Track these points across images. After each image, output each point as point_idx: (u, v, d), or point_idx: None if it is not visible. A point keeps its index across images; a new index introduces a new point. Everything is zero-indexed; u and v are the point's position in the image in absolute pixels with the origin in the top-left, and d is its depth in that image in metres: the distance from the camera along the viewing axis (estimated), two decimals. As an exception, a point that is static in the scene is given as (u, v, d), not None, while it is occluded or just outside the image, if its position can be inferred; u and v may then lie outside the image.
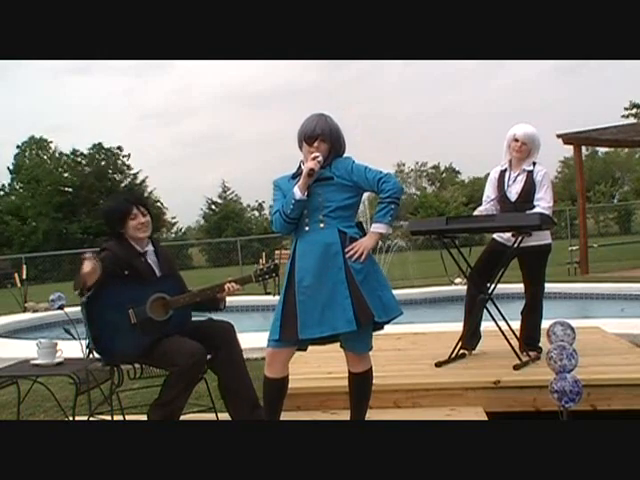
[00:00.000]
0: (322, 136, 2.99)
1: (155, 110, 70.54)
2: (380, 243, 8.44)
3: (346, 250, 2.93)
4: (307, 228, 3.01)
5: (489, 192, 4.52)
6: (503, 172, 4.44)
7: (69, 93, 66.35)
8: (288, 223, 3.01)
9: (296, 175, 3.05)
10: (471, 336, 4.42)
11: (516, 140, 4.32)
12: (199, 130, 71.58)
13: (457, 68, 70.01)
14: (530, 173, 4.31)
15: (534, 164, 4.34)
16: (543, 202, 4.23)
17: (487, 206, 4.46)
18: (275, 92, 74.79)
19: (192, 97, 70.65)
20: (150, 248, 3.53)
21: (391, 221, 3.00)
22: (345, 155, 3.11)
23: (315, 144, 2.99)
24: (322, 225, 2.97)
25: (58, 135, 64.17)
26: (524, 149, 4.30)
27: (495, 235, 4.50)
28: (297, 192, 2.95)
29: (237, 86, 74.83)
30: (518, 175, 4.35)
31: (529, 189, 4.29)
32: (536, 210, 4.18)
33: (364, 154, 3.14)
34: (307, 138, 3.01)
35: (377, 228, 2.99)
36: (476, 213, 4.49)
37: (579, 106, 66.25)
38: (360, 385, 3.12)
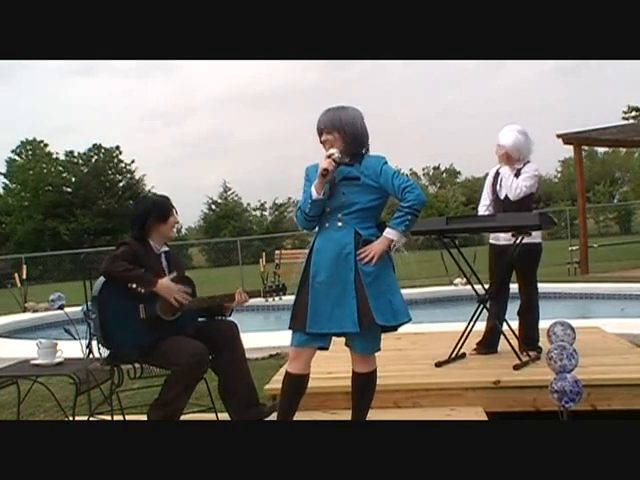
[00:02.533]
0: (326, 129, 2.98)
1: (156, 111, 70.65)
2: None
3: (357, 252, 2.95)
4: (327, 225, 3.01)
5: (486, 192, 4.60)
6: (498, 173, 4.52)
7: (73, 94, 66.48)
8: (308, 221, 3.03)
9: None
10: (494, 337, 4.44)
11: (498, 145, 4.43)
12: (199, 131, 71.70)
13: (457, 68, 70.13)
14: (519, 171, 4.36)
15: (526, 164, 4.39)
16: (523, 181, 4.29)
17: (483, 211, 4.55)
18: (275, 93, 74.80)
19: (193, 98, 70.70)
20: (164, 249, 3.58)
21: (405, 230, 2.99)
22: (376, 154, 3.08)
23: (322, 138, 3.00)
24: (340, 224, 2.98)
25: (62, 136, 64.28)
26: (502, 153, 4.39)
27: (491, 241, 4.53)
28: (314, 192, 2.95)
29: (237, 87, 74.87)
30: (509, 175, 4.40)
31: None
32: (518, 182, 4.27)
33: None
34: (318, 133, 3.03)
35: (389, 234, 2.98)
36: None
37: (579, 106, 66.34)
38: (363, 386, 3.12)
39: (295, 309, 3.02)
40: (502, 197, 4.40)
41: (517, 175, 4.34)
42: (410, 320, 3.01)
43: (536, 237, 4.32)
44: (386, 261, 3.02)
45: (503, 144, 4.37)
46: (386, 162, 3.03)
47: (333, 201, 2.97)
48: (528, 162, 4.38)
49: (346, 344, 3.08)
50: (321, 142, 3.02)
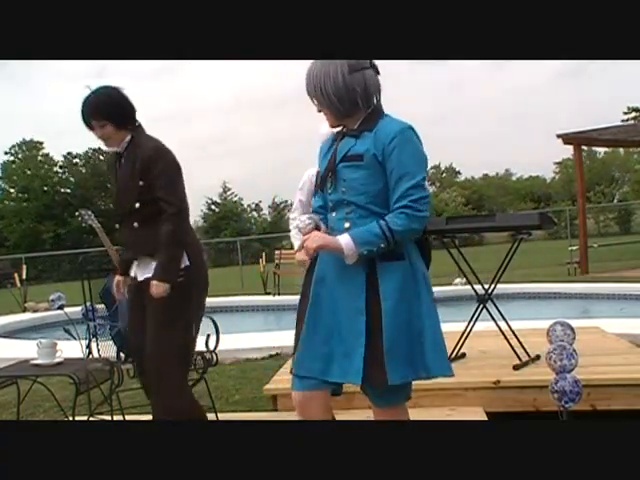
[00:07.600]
0: (312, 95, 2.26)
1: (163, 113, 71.11)
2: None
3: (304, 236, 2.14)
4: (332, 225, 2.20)
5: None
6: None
7: (78, 96, 66.73)
8: None
9: (337, 134, 2.26)
10: None
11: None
12: (204, 133, 72.32)
13: (459, 69, 70.37)
14: None
15: None
16: None
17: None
18: (280, 96, 75.20)
19: (199, 101, 71.47)
20: None
21: (366, 255, 2.09)
22: (392, 116, 2.18)
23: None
24: (347, 225, 2.14)
25: (65, 138, 64.48)
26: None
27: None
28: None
29: (241, 90, 75.39)
30: None
31: None
32: None
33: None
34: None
35: (348, 248, 2.07)
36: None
37: (579, 107, 66.59)
38: None
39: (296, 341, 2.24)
40: None
41: None
42: (452, 375, 2.24)
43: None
44: (417, 282, 2.25)
45: None
46: (408, 133, 2.10)
47: (333, 190, 2.16)
48: None
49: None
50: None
